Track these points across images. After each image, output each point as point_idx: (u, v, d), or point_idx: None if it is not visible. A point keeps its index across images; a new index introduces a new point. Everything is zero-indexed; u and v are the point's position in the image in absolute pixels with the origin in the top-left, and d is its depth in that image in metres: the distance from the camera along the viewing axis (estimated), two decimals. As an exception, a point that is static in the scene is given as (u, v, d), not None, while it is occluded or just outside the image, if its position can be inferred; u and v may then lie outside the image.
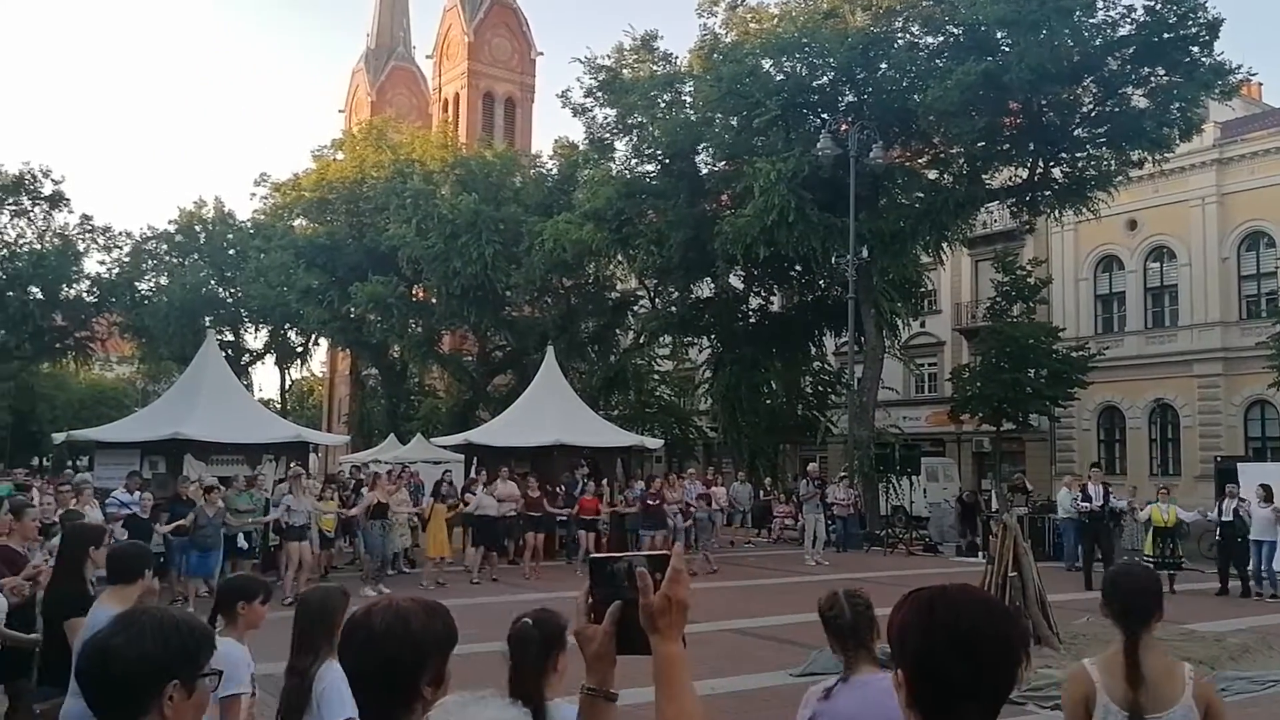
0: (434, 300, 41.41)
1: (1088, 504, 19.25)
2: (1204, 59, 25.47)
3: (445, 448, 26.64)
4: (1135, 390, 36.37)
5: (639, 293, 40.58)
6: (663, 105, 32.68)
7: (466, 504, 19.47)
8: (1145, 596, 3.58)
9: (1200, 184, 34.89)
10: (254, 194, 60.29)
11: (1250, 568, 17.56)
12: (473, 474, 22.04)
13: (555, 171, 42.05)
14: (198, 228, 54.93)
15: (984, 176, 29.27)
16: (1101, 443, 37.97)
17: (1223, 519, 18.03)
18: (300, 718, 3.83)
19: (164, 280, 53.48)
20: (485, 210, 36.56)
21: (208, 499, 15.68)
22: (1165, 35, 25.33)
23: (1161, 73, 26.07)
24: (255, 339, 57.32)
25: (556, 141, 43.91)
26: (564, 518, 20.98)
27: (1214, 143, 34.15)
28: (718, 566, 19.99)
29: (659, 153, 32.80)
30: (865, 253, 27.91)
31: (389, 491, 19.00)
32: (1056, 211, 29.99)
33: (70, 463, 36.94)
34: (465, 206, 36.40)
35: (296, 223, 50.56)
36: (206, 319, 49.11)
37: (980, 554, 21.16)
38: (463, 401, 43.95)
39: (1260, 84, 39.18)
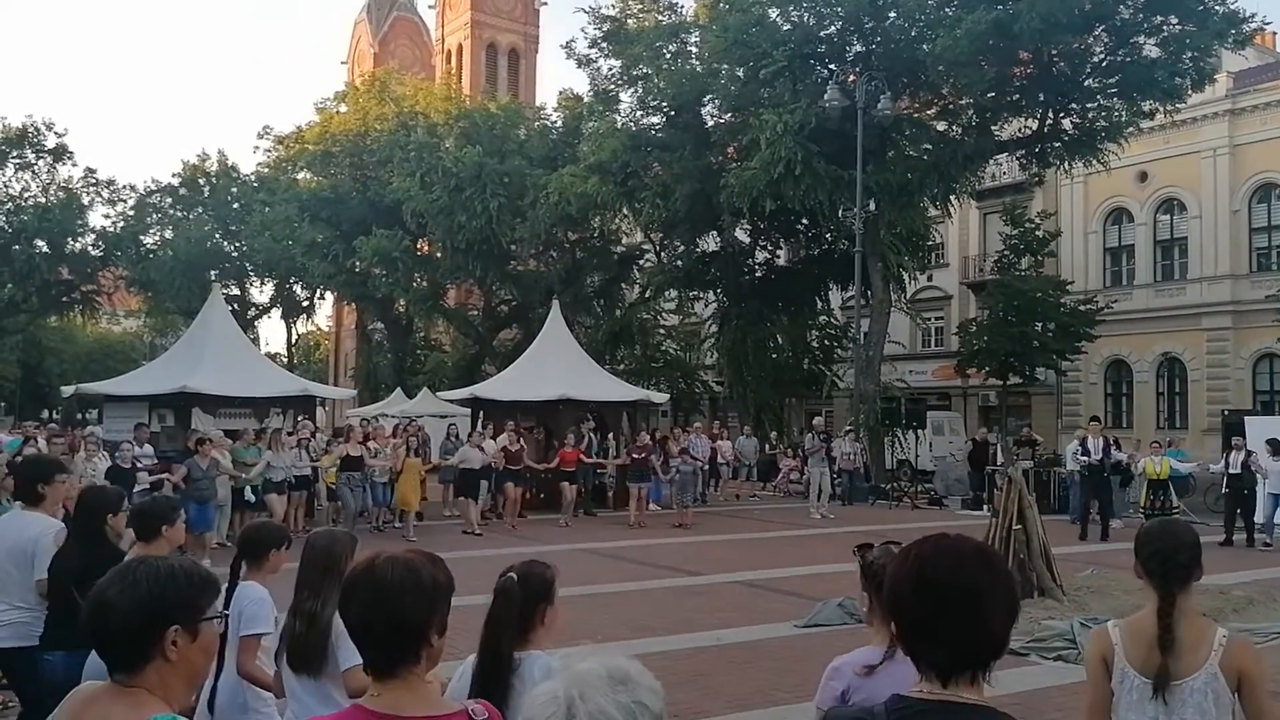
0: (439, 254, 41.30)
1: (1087, 457, 19.30)
2: (1217, 7, 25.11)
3: (451, 402, 26.69)
4: (1143, 344, 36.24)
5: (644, 246, 40.44)
6: (668, 56, 32.35)
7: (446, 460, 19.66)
8: (1182, 553, 3.24)
9: (1212, 135, 34.53)
10: (257, 147, 60.23)
11: (1261, 520, 17.63)
12: (479, 428, 22.11)
13: (560, 124, 41.77)
14: (201, 181, 54.69)
15: (993, 128, 29.00)
16: (1109, 396, 37.91)
17: (1230, 471, 18.02)
18: (315, 662, 3.84)
19: (169, 234, 53.38)
20: (489, 163, 36.34)
21: (200, 451, 15.50)
22: (1178, -18, 24.97)
23: (1174, 21, 25.69)
24: (261, 293, 57.42)
25: (561, 93, 43.68)
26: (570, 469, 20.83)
27: (1226, 93, 33.74)
28: (692, 522, 19.88)
29: (664, 105, 32.51)
30: (872, 206, 27.71)
31: (392, 444, 19.06)
32: (1066, 163, 29.78)
33: (80, 415, 37.17)
34: (469, 159, 36.18)
35: (300, 176, 50.37)
36: (212, 273, 49.01)
37: (985, 507, 21.20)
38: (468, 356, 44.01)
39: (1274, 33, 38.70)
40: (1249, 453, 17.91)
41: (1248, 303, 33.29)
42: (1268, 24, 27.37)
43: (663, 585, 13.20)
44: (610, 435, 22.72)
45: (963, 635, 1.85)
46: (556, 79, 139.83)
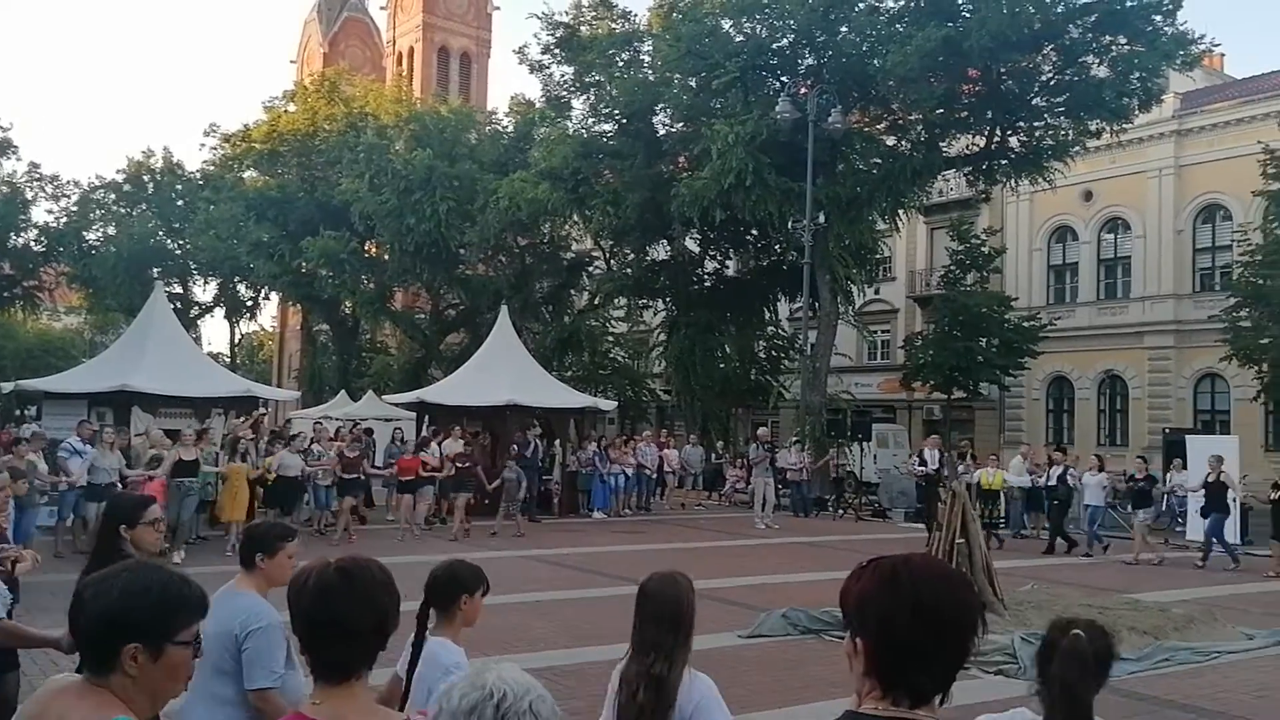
0: (387, 257, 40.93)
1: (924, 468, 20.03)
2: (1166, 28, 25.44)
3: (397, 405, 26.41)
4: (1085, 361, 36.73)
5: (594, 254, 40.39)
6: (621, 64, 32.35)
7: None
8: None
9: (1158, 155, 35.04)
10: (203, 145, 59.52)
11: (1085, 529, 18.93)
12: (424, 432, 21.87)
13: (511, 129, 41.58)
14: (146, 178, 53.96)
15: (942, 144, 29.25)
16: (1050, 412, 38.40)
17: (1048, 484, 19.61)
18: None
19: (112, 231, 52.54)
20: (440, 166, 36.05)
21: (15, 451, 13.87)
22: (1128, 3, 25.29)
23: (1123, 41, 26.02)
24: (204, 292, 56.70)
25: (513, 99, 43.39)
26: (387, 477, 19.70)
27: (1173, 114, 34.27)
28: (524, 532, 19.12)
29: (616, 112, 32.46)
30: (822, 218, 27.80)
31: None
32: (1013, 181, 30.08)
33: (18, 412, 36.46)
34: (419, 162, 35.88)
35: (247, 175, 49.83)
36: (155, 270, 48.34)
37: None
38: (415, 359, 43.61)
39: (1222, 55, 39.30)
40: (1067, 467, 19.60)
41: (1190, 322, 33.80)
42: (1216, 46, 27.75)
43: (605, 593, 13.06)
44: (557, 442, 22.59)
45: (954, 660, 1.85)
46: (508, 83, 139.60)
